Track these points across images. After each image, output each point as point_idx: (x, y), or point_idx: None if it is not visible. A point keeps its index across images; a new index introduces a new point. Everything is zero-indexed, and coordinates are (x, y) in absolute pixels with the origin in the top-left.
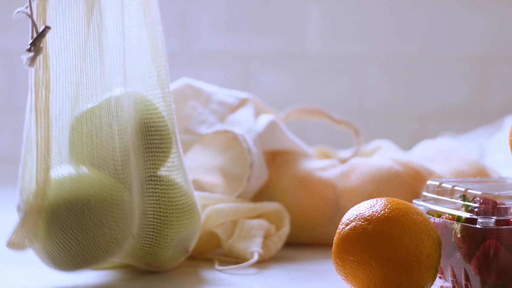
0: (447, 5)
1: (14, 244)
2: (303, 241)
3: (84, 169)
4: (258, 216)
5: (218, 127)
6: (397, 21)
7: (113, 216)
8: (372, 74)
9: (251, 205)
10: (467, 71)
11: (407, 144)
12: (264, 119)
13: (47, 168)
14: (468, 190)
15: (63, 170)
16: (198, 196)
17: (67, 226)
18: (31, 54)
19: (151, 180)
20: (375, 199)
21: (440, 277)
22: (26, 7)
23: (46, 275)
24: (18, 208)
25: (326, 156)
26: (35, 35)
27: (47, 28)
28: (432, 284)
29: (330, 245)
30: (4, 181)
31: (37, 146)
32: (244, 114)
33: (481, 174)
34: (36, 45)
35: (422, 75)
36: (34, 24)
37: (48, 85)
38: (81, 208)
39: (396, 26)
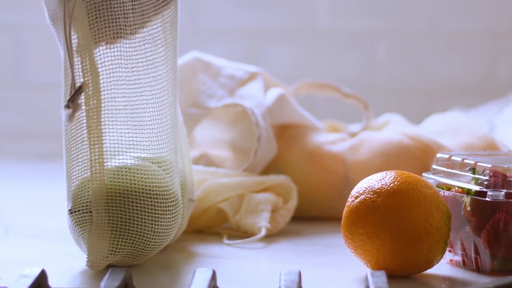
0: None
1: (96, 264)
2: (312, 215)
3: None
4: (264, 190)
5: (227, 100)
6: None
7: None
8: (381, 49)
9: (257, 179)
10: (476, 46)
11: (416, 119)
12: (274, 93)
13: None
14: (478, 163)
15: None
16: (203, 171)
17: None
18: (70, 111)
19: None
20: (384, 172)
21: (449, 251)
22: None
23: (53, 248)
24: (76, 214)
25: (336, 130)
26: (73, 91)
27: (85, 84)
28: (442, 257)
29: (339, 219)
30: (13, 156)
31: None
32: (254, 88)
33: (491, 147)
34: (74, 102)
35: (431, 50)
36: (73, 80)
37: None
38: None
39: (405, 1)
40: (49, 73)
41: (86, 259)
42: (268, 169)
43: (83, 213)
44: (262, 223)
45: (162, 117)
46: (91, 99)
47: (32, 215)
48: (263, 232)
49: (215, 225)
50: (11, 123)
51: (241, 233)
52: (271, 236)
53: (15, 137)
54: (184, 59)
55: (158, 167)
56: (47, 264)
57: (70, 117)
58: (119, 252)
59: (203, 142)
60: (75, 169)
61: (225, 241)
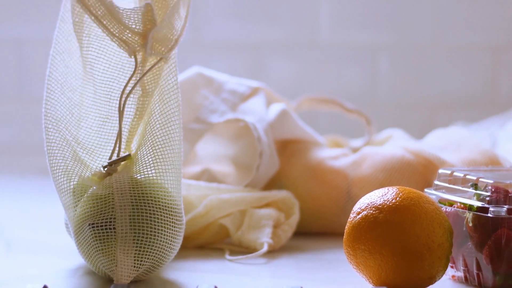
0: None
1: (122, 279)
2: (314, 230)
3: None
4: (266, 205)
5: (230, 116)
6: (408, 10)
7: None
8: (383, 63)
9: (259, 194)
10: (478, 59)
11: (418, 133)
12: (276, 108)
13: None
14: (480, 179)
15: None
16: (205, 187)
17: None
18: (104, 170)
19: None
20: (386, 188)
21: (451, 266)
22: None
23: (56, 264)
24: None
25: (338, 145)
26: (115, 157)
27: (129, 156)
28: (444, 273)
29: (342, 234)
30: (15, 171)
31: None
32: (256, 103)
33: (493, 163)
34: (112, 166)
35: (433, 63)
36: (119, 147)
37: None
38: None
39: (407, 14)
40: None
41: (114, 276)
42: (270, 185)
43: (105, 228)
44: (264, 238)
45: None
46: None
47: (34, 230)
48: (265, 248)
49: (217, 240)
50: (13, 137)
51: (243, 249)
52: (273, 252)
53: (17, 151)
54: (186, 74)
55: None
56: (49, 280)
57: (100, 177)
58: (141, 267)
59: (205, 157)
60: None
61: (227, 256)
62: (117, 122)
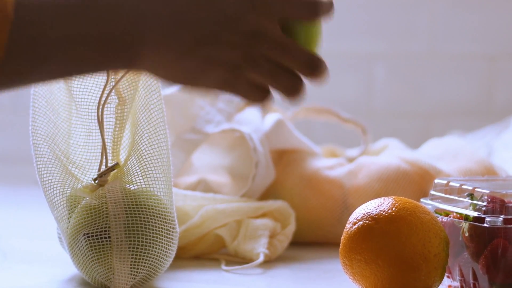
0: (453, 3)
1: (121, 285)
2: (310, 240)
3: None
4: (262, 215)
5: (225, 126)
6: (403, 19)
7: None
8: (379, 72)
9: (255, 204)
10: (473, 69)
11: (414, 143)
12: (271, 118)
13: None
14: (476, 189)
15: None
16: (201, 197)
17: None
18: (95, 183)
19: None
20: (382, 198)
21: (448, 277)
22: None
23: (51, 274)
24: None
25: (334, 155)
26: (103, 168)
27: (117, 165)
28: (440, 283)
29: (338, 244)
30: (10, 181)
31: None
32: (251, 113)
33: (489, 172)
34: (102, 177)
35: (428, 73)
36: (106, 158)
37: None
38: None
39: (402, 24)
40: None
41: (111, 285)
42: (266, 194)
43: (100, 238)
44: (260, 249)
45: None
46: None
47: (30, 239)
48: (261, 258)
49: (213, 251)
50: (9, 147)
51: (239, 259)
52: (269, 262)
53: (13, 161)
54: None
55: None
56: None
57: (92, 189)
58: (138, 275)
59: (201, 168)
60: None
61: (223, 267)
62: (100, 134)
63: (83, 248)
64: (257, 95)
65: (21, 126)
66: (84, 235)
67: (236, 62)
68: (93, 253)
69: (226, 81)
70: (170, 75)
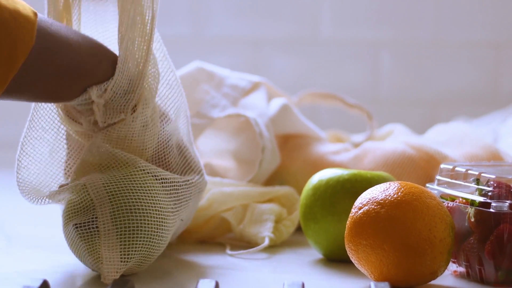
0: None
1: (110, 276)
2: None
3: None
4: (269, 200)
5: (231, 110)
6: (409, 6)
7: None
8: (385, 59)
9: (262, 189)
10: (479, 56)
11: (419, 129)
12: (277, 103)
13: None
14: (482, 174)
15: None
16: (209, 181)
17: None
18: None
19: None
20: (388, 182)
21: (453, 262)
22: None
23: (56, 259)
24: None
25: (339, 140)
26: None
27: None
28: (446, 268)
29: None
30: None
31: None
32: (257, 98)
33: (495, 158)
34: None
35: (434, 60)
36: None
37: None
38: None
39: (408, 11)
40: None
41: (101, 273)
42: (272, 179)
43: (89, 228)
44: (266, 233)
45: None
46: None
47: (35, 225)
48: (266, 242)
49: (218, 234)
50: (14, 132)
51: (244, 243)
52: (275, 247)
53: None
54: (187, 69)
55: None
56: (49, 275)
57: (51, 196)
58: (129, 261)
59: (206, 152)
60: None
61: (228, 251)
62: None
63: (74, 238)
64: None
65: (27, 112)
66: (73, 225)
67: None
68: (83, 243)
69: None
70: None
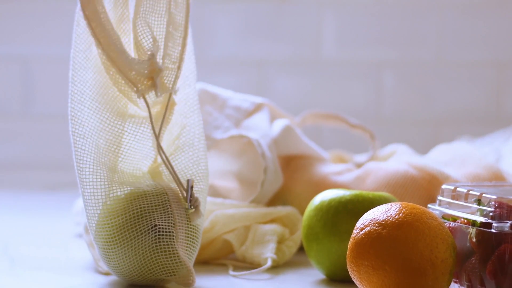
0: (462, 10)
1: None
2: None
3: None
4: (271, 221)
5: (233, 132)
6: (412, 26)
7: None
8: (387, 79)
9: (264, 210)
10: (482, 75)
11: (422, 149)
12: (279, 124)
13: None
14: (483, 194)
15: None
16: (211, 202)
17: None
18: (193, 209)
19: None
20: (389, 203)
21: (455, 282)
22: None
23: (60, 281)
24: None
25: (342, 160)
26: (185, 194)
27: (191, 180)
28: None
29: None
30: (20, 187)
31: None
32: (260, 119)
33: (497, 178)
34: (192, 200)
35: (437, 80)
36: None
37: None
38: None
39: (411, 31)
40: (57, 104)
41: (184, 277)
42: (274, 200)
43: (168, 230)
44: (268, 254)
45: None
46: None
47: (38, 246)
48: (269, 263)
49: (220, 256)
50: (19, 153)
51: (247, 264)
52: (277, 268)
53: (22, 167)
54: None
55: None
56: None
57: (195, 215)
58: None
59: (209, 173)
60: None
61: (231, 272)
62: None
63: (150, 240)
64: None
65: (31, 133)
66: (154, 226)
67: None
68: (160, 245)
69: None
70: None
